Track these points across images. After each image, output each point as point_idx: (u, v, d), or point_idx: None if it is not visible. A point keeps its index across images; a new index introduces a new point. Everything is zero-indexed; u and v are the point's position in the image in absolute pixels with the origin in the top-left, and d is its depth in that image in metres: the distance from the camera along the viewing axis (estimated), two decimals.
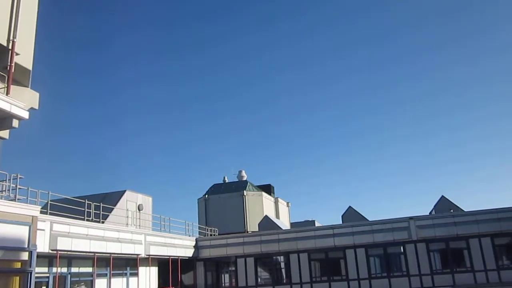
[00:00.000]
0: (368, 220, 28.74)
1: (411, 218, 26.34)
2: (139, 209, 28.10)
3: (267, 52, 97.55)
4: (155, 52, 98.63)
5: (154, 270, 25.45)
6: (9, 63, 14.89)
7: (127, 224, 25.30)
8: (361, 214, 30.42)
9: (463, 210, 27.88)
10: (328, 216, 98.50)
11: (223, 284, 29.22)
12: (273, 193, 47.95)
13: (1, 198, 14.86)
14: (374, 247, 26.46)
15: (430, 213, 29.64)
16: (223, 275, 29.69)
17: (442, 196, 29.61)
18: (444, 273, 25.11)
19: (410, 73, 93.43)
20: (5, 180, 15.50)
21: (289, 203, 50.75)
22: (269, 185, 48.08)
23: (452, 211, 27.73)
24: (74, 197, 22.17)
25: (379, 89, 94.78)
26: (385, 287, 25.51)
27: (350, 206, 31.28)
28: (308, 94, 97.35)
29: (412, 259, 25.67)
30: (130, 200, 27.76)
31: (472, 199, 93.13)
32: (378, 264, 26.65)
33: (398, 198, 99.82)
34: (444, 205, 28.80)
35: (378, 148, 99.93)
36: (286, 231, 29.56)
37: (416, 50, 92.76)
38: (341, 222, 30.14)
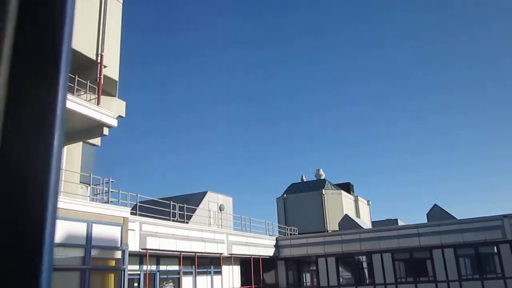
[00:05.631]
0: (456, 218, 27.18)
1: (505, 216, 24.46)
2: (220, 209, 28.93)
3: (360, 51, 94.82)
4: (234, 42, 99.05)
5: (236, 269, 26.05)
6: (98, 76, 16.07)
7: (210, 224, 26.14)
8: (448, 213, 28.84)
9: None
10: (411, 214, 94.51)
11: (305, 283, 29.17)
12: (353, 191, 47.00)
13: (96, 201, 16.06)
14: (463, 247, 24.94)
15: None
16: (304, 275, 29.64)
17: None
18: None
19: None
20: (99, 184, 16.72)
21: (370, 202, 49.47)
22: (348, 183, 47.19)
23: None
24: (159, 199, 23.36)
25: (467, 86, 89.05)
26: None
27: (435, 204, 29.79)
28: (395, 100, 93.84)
29: (507, 260, 23.84)
30: (212, 200, 28.67)
31: None
32: (469, 265, 25.10)
33: (488, 197, 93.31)
34: None
35: (466, 147, 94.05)
36: (368, 230, 28.84)
37: None
38: (426, 221, 28.81)
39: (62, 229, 13.18)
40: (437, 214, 28.63)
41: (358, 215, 43.57)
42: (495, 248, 24.46)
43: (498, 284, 23.75)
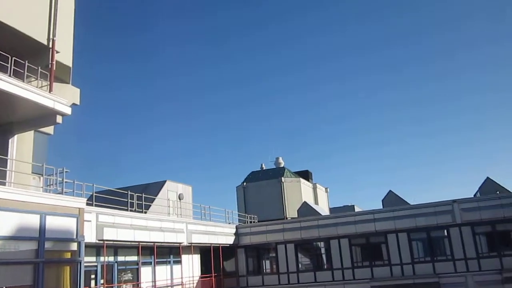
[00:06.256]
0: (409, 204, 28.18)
1: (454, 201, 25.61)
2: (179, 199, 28.66)
3: (310, 38, 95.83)
4: (187, 38, 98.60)
5: (196, 258, 25.98)
6: (50, 61, 15.39)
7: (169, 213, 25.87)
8: (402, 198, 29.83)
9: (510, 192, 26.83)
10: (367, 201, 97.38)
11: (264, 270, 29.49)
12: (311, 179, 47.76)
13: (50, 192, 15.48)
14: (416, 232, 25.95)
15: (475, 195, 28.71)
16: (264, 261, 29.94)
17: (488, 177, 28.58)
18: (491, 257, 24.35)
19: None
20: (53, 174, 16.11)
21: (328, 189, 50.45)
22: (307, 171, 47.90)
23: (498, 192, 26.76)
24: (117, 189, 22.84)
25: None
26: (429, 271, 25.03)
27: (390, 190, 30.70)
28: (351, 81, 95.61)
29: (457, 243, 25.02)
30: (171, 189, 28.36)
31: None
32: (421, 249, 26.16)
33: (440, 182, 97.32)
34: (489, 187, 27.79)
35: (414, 123, 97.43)
36: (326, 217, 29.42)
37: None
38: (381, 207, 29.71)
39: (14, 222, 12.64)
40: (391, 200, 29.54)
41: (316, 202, 44.38)
42: (445, 231, 25.57)
43: (448, 266, 24.90)
